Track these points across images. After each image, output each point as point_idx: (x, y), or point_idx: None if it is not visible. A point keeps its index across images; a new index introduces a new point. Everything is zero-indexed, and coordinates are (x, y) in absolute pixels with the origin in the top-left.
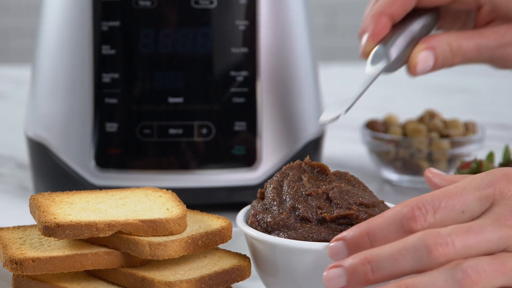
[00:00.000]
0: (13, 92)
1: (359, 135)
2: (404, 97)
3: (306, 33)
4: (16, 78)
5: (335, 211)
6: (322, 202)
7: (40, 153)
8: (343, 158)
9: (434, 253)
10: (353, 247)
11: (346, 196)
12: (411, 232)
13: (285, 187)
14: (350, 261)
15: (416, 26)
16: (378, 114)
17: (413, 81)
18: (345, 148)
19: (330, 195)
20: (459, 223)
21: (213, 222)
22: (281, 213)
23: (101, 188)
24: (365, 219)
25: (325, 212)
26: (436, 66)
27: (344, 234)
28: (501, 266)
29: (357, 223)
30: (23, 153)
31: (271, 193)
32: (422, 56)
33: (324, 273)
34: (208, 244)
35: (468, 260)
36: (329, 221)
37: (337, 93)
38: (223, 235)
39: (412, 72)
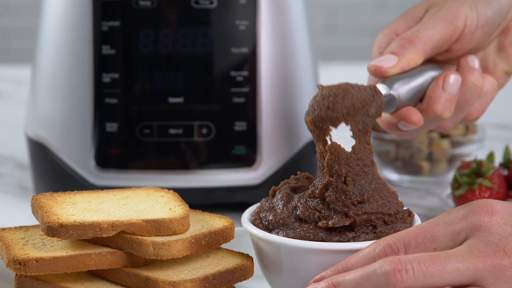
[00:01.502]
0: (13, 92)
1: None
2: None
3: (306, 33)
4: (16, 78)
5: (330, 220)
6: (320, 205)
7: (40, 153)
8: None
9: (391, 279)
10: None
11: (343, 197)
12: None
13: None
14: (321, 284)
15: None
16: None
17: None
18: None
19: (326, 199)
20: None
21: (215, 221)
22: (283, 212)
23: (101, 188)
24: (365, 219)
25: (319, 219)
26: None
27: (316, 285)
28: None
29: (355, 226)
30: (23, 153)
31: (283, 191)
32: (453, 77)
33: None
34: (211, 243)
35: None
36: (324, 228)
37: None
38: (226, 234)
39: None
